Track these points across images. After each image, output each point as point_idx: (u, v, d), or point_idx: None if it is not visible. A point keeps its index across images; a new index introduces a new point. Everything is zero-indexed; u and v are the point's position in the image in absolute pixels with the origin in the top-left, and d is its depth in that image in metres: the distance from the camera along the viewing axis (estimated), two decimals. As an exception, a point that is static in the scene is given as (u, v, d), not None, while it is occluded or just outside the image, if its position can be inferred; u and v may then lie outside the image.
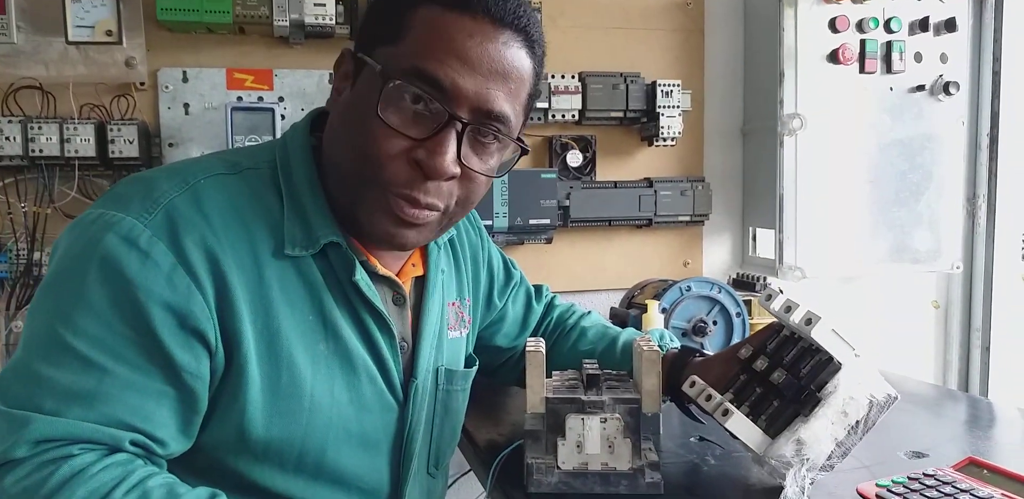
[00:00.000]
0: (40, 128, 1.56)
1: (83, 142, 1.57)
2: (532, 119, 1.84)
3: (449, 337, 1.02)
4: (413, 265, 0.97)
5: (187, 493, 0.73)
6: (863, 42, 1.89)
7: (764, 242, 2.04)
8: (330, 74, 1.75)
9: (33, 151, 1.55)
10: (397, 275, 0.94)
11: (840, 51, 1.87)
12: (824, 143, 1.89)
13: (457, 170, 0.82)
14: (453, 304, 1.05)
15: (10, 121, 1.55)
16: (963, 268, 2.04)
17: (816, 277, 1.89)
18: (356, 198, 0.84)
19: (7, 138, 1.54)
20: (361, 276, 0.86)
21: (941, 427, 1.23)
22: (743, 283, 1.94)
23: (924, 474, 0.94)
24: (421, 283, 0.98)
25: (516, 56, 0.82)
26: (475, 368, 1.10)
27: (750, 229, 2.08)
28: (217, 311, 0.78)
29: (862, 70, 1.89)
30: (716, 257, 2.11)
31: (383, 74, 0.80)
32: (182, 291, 0.76)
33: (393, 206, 0.82)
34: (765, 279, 1.88)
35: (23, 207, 1.62)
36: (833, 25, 1.87)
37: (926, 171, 1.96)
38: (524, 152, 0.88)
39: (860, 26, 1.89)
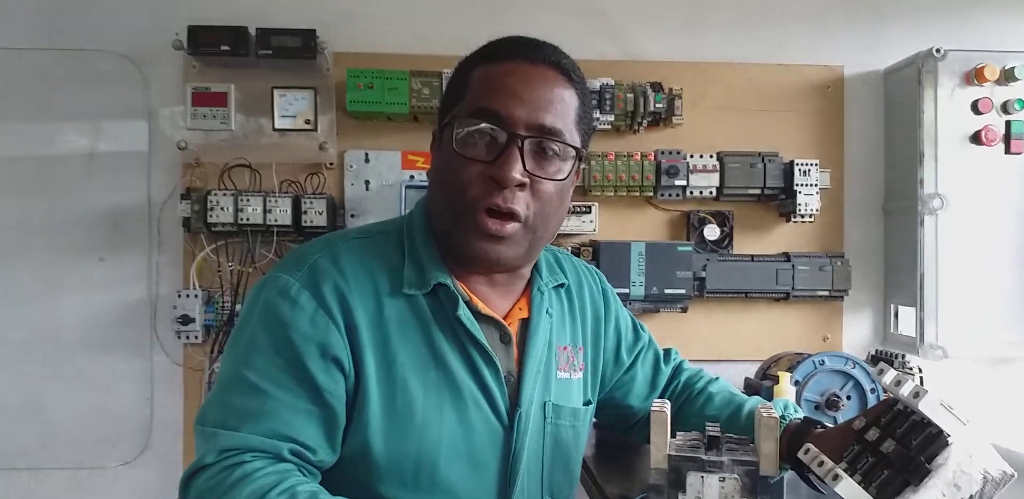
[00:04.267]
0: (248, 200, 1.86)
1: (281, 212, 1.86)
2: (670, 195, 1.98)
3: (558, 377, 1.14)
4: (520, 308, 1.12)
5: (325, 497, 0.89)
6: (1008, 123, 1.89)
7: (906, 320, 2.02)
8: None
9: (241, 219, 1.85)
10: (505, 317, 1.09)
11: (983, 132, 1.88)
12: (968, 222, 1.89)
13: (524, 179, 0.97)
14: (565, 348, 1.16)
15: (224, 194, 1.86)
16: None
17: (959, 357, 1.86)
18: (453, 229, 1.00)
19: (222, 208, 1.85)
20: (463, 312, 1.02)
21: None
22: (881, 360, 1.93)
23: (1043, 555, 0.95)
24: (527, 325, 1.12)
25: (554, 83, 0.99)
26: (588, 409, 1.19)
27: (892, 306, 2.08)
28: (348, 342, 0.96)
29: (1007, 151, 1.90)
30: (857, 332, 2.11)
31: (454, 121, 0.99)
32: (322, 328, 0.95)
33: (480, 223, 0.97)
34: (903, 356, 1.87)
35: (230, 266, 1.92)
36: (976, 107, 1.89)
37: (1082, 252, 1.91)
38: (580, 157, 1.04)
39: (1005, 107, 1.90)
